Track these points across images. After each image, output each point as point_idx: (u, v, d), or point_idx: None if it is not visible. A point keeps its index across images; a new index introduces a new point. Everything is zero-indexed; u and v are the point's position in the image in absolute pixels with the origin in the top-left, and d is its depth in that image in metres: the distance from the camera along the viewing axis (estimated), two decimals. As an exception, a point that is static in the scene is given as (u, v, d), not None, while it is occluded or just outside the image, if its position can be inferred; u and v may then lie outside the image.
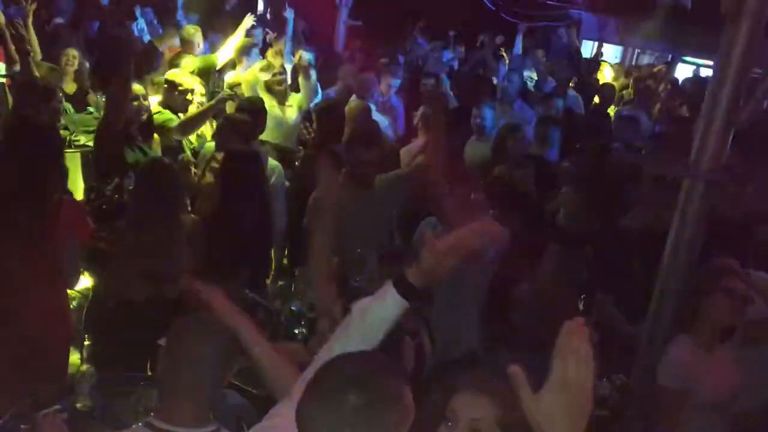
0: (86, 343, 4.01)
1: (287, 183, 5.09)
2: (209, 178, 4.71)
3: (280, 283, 4.54)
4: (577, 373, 1.21)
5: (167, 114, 5.21)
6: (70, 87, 6.06)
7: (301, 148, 6.09)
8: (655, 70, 10.64)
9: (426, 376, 3.02)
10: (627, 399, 3.17)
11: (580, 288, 4.68)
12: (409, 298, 1.80)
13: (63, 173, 3.55)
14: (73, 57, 6.08)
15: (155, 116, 5.07)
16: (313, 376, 1.54)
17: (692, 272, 3.31)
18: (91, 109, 5.92)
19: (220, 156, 4.55)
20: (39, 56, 6.14)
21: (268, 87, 6.07)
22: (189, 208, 4.30)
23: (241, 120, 4.78)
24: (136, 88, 4.78)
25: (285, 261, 5.25)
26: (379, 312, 1.81)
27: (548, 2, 13.08)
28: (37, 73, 5.57)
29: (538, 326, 4.65)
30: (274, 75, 6.11)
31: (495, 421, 1.74)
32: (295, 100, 6.24)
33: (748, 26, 3.11)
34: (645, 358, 3.46)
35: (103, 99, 5.78)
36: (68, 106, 5.74)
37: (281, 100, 6.11)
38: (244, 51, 6.63)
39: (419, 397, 1.56)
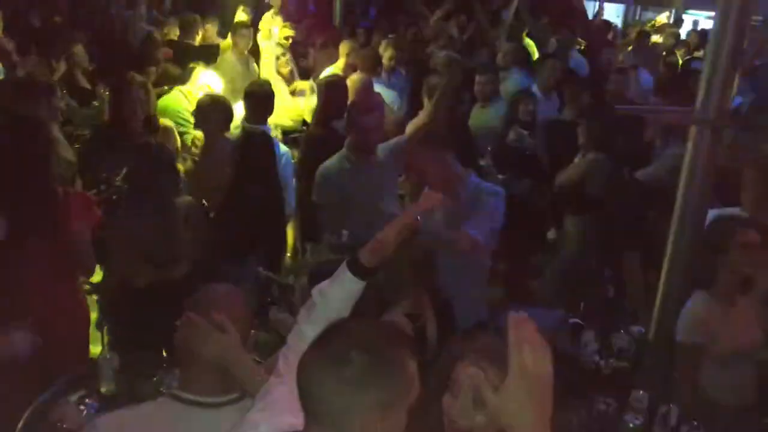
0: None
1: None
2: (189, 163, 4.78)
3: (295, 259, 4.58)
4: (534, 362, 1.21)
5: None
6: (82, 82, 6.10)
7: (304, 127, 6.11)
8: (657, 23, 10.48)
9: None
10: (645, 350, 3.18)
11: (606, 247, 4.68)
12: (363, 277, 1.94)
13: (62, 166, 3.55)
14: (80, 54, 6.10)
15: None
16: (319, 337, 1.56)
17: (705, 225, 3.28)
18: (96, 103, 5.94)
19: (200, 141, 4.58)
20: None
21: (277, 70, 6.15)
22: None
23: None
24: (138, 80, 4.79)
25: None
26: (338, 293, 1.93)
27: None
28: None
29: (560, 290, 4.76)
30: (278, 58, 6.16)
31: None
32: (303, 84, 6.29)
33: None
34: (661, 311, 3.47)
35: (107, 93, 5.80)
36: (72, 101, 5.78)
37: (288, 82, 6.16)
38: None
39: (423, 378, 1.57)
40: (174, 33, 7.79)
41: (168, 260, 3.56)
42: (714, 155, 3.39)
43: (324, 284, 1.97)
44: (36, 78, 4.93)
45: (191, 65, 5.76)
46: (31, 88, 4.47)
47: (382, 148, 4.35)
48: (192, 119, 5.14)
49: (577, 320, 3.32)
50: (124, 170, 4.36)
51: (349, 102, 5.22)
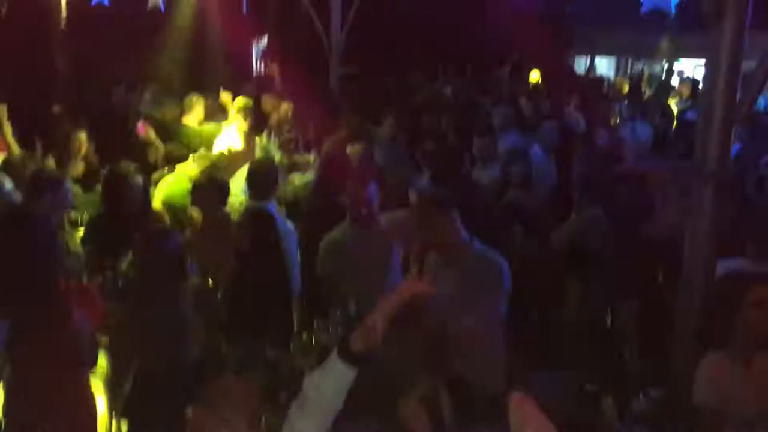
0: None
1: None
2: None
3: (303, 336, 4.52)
4: None
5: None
6: (78, 169, 6.14)
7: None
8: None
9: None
10: (666, 413, 3.08)
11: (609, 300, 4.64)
12: (355, 364, 1.91)
13: (70, 259, 3.56)
14: (82, 141, 6.17)
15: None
16: None
17: (717, 282, 3.22)
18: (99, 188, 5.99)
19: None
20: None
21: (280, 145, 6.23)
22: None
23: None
24: (133, 169, 4.84)
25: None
26: (330, 384, 1.91)
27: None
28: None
29: (573, 350, 4.69)
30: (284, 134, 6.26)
31: None
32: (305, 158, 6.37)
33: (732, 25, 3.11)
34: (678, 371, 3.39)
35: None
36: (75, 186, 5.83)
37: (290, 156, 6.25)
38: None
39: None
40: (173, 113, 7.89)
41: (180, 347, 3.53)
42: (718, 207, 3.38)
43: (315, 375, 1.94)
44: (41, 172, 4.95)
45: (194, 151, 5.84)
46: (34, 183, 4.51)
47: (386, 219, 4.36)
48: None
49: (593, 387, 3.24)
50: (129, 257, 4.38)
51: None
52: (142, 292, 3.63)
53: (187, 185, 5.47)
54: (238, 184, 5.41)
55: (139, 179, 4.86)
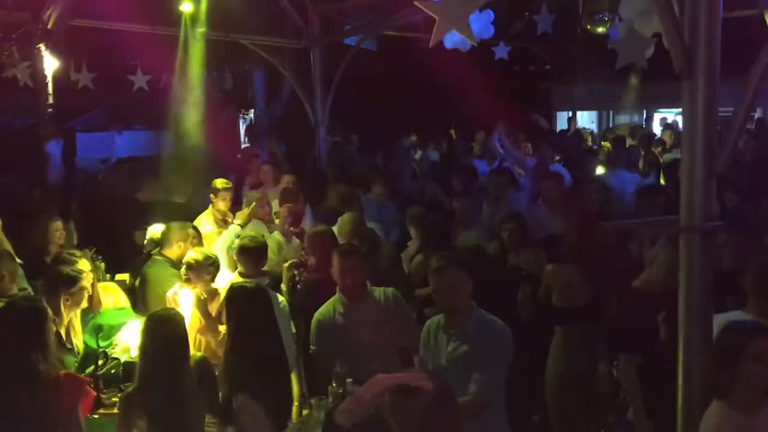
0: None
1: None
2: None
3: (304, 411, 4.45)
4: None
5: None
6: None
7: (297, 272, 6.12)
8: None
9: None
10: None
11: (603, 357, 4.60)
12: None
13: (52, 349, 3.50)
14: (59, 229, 6.12)
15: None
16: None
17: (719, 333, 3.20)
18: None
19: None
20: None
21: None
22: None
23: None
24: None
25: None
26: None
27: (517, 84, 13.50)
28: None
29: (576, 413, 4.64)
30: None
31: None
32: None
33: (704, 81, 3.17)
34: (684, 424, 3.33)
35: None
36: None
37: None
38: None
39: None
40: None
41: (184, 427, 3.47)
42: (708, 259, 3.38)
43: None
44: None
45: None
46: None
47: (378, 292, 4.36)
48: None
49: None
50: (120, 343, 4.34)
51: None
52: (147, 374, 3.58)
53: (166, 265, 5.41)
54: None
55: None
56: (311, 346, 4.34)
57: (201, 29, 9.07)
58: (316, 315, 4.38)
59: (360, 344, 4.15)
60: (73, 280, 4.34)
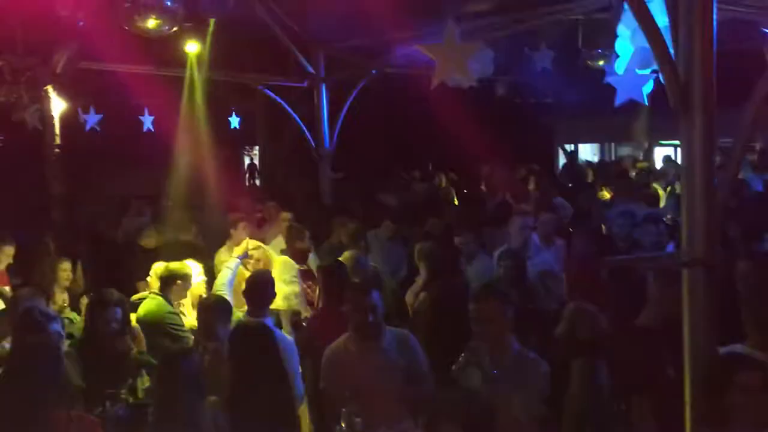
0: None
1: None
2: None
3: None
4: None
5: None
6: (62, 298, 6.13)
7: (306, 308, 6.13)
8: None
9: None
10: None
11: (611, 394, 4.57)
12: None
13: (67, 390, 3.53)
14: (66, 270, 6.18)
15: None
16: None
17: (710, 363, 3.20)
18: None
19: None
20: None
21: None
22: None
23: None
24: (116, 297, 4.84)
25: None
26: None
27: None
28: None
29: None
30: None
31: None
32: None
33: (701, 117, 3.22)
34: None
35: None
36: (74, 315, 5.82)
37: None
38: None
39: None
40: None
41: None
42: (712, 292, 3.38)
43: None
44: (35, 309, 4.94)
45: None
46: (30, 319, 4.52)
47: (388, 332, 4.36)
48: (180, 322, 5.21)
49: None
50: (128, 382, 4.34)
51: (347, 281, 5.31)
52: (164, 412, 3.56)
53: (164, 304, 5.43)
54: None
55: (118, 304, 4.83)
56: (321, 383, 4.31)
57: (205, 71, 9.22)
58: (327, 351, 4.35)
59: (369, 386, 4.11)
60: None
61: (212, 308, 4.75)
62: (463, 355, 3.76)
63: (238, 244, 6.67)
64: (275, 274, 6.07)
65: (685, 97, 3.23)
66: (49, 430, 3.18)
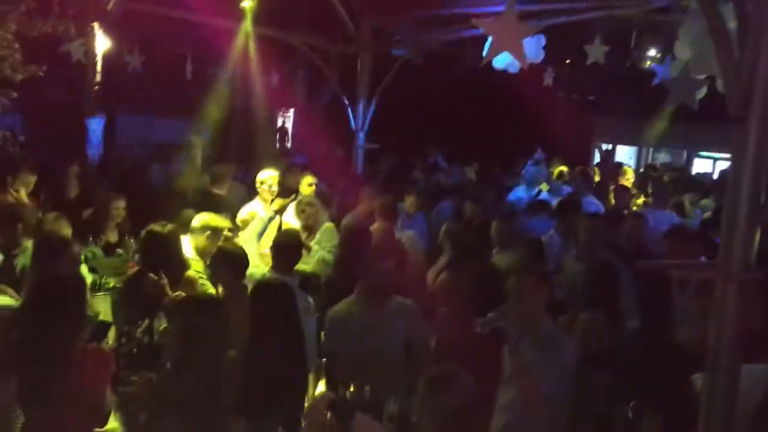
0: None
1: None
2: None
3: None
4: None
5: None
6: (112, 236, 6.21)
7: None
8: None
9: None
10: None
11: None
12: None
13: (85, 322, 3.56)
14: (120, 208, 6.25)
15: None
16: None
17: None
18: (119, 251, 6.05)
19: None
20: None
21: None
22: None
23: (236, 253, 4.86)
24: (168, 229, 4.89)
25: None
26: None
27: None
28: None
29: None
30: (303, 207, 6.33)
31: None
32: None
33: (757, 127, 3.13)
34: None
35: (132, 241, 5.92)
36: (98, 250, 5.89)
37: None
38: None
39: None
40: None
41: (212, 420, 3.49)
42: (741, 309, 3.32)
43: None
44: (53, 234, 5.02)
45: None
46: (47, 245, 4.59)
47: (394, 300, 4.37)
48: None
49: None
50: (145, 323, 4.38)
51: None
52: (184, 359, 3.55)
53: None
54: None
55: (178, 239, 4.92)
56: (323, 345, 4.37)
57: (252, 25, 9.19)
58: (330, 314, 4.38)
59: (372, 349, 4.15)
60: None
61: (226, 257, 4.79)
62: (492, 313, 3.77)
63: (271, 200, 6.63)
64: (319, 238, 6.15)
65: (744, 106, 3.15)
66: (66, 360, 3.21)
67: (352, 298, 4.40)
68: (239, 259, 4.84)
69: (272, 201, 6.60)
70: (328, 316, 4.42)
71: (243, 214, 6.57)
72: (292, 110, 18.10)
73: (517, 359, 3.68)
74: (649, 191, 9.41)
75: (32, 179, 7.05)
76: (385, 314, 4.31)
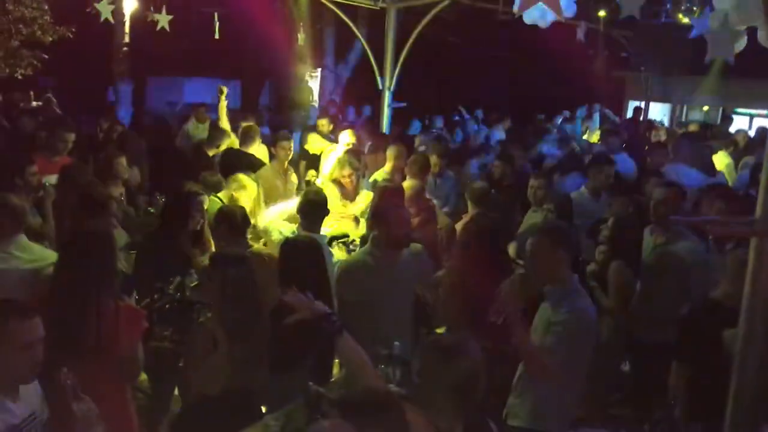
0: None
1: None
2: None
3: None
4: None
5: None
6: (118, 190, 6.23)
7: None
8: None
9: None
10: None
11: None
12: None
13: (116, 279, 3.60)
14: (123, 165, 6.26)
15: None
16: None
17: None
18: (151, 209, 6.11)
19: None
20: None
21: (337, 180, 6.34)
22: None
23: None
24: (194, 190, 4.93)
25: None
26: None
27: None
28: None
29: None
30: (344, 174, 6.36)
31: None
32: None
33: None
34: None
35: (163, 200, 5.97)
36: (130, 209, 5.95)
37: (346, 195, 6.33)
38: None
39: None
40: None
41: (252, 375, 3.61)
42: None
43: None
44: (93, 191, 5.08)
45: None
46: (88, 202, 4.65)
47: (408, 251, 4.41)
48: None
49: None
50: (177, 279, 4.44)
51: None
52: (224, 315, 3.66)
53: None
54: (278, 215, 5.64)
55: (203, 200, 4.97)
56: (335, 294, 4.36)
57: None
58: (343, 264, 4.44)
59: (385, 299, 4.20)
60: None
61: (224, 217, 4.84)
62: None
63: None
64: (358, 203, 6.29)
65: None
66: (98, 314, 3.27)
67: (366, 249, 4.44)
68: (237, 218, 4.84)
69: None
70: (340, 266, 4.47)
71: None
72: (319, 70, 17.99)
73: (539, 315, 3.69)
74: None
75: (71, 137, 7.04)
76: (397, 263, 4.34)
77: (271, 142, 7.64)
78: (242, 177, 5.85)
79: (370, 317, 4.11)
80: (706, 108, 14.58)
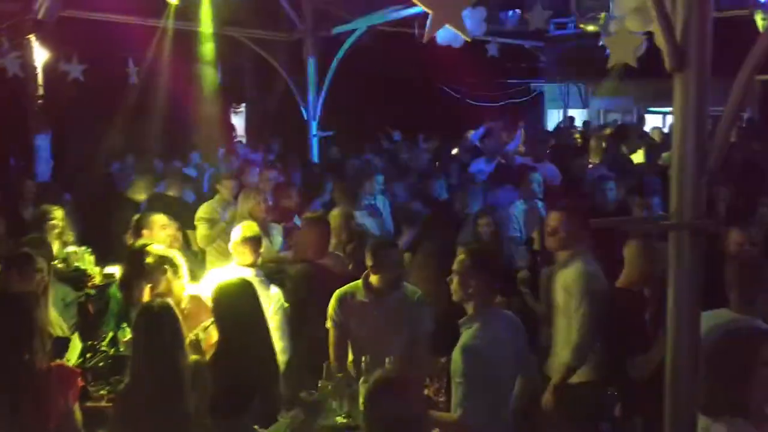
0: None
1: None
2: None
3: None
4: None
5: None
6: (55, 247, 6.02)
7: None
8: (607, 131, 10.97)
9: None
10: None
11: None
12: None
13: (39, 340, 3.44)
14: (59, 218, 6.07)
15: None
16: None
17: (719, 344, 3.14)
18: (77, 265, 5.93)
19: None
20: None
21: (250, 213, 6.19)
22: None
23: None
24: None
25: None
26: None
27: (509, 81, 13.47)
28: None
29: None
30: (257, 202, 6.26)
31: None
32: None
33: (695, 76, 3.17)
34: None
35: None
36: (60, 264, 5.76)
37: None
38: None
39: None
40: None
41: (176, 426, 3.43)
42: (697, 257, 3.37)
43: None
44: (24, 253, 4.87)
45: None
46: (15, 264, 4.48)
47: (407, 290, 4.42)
48: None
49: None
50: (109, 335, 4.32)
51: (330, 237, 5.31)
52: (140, 369, 3.50)
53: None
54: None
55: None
56: (328, 321, 4.37)
57: (191, 22, 9.03)
58: (338, 293, 4.38)
59: (374, 337, 4.22)
60: None
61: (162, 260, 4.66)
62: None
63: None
64: None
65: (681, 56, 3.18)
66: (30, 378, 3.15)
67: (356, 285, 4.39)
68: (173, 261, 4.65)
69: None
70: (336, 295, 4.40)
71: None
72: (243, 105, 17.90)
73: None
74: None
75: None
76: (394, 300, 4.33)
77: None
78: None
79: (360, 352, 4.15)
80: (619, 114, 15.13)
